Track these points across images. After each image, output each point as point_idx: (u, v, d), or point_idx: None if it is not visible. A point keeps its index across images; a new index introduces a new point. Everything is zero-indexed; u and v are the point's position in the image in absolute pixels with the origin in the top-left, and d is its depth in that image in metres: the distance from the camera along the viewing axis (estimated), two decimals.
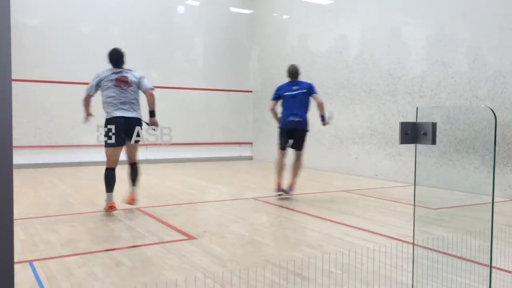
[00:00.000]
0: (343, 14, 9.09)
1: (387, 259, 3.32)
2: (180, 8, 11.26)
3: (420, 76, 7.44)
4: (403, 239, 3.94)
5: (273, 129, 11.26)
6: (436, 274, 2.99)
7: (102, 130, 4.79)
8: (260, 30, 11.73)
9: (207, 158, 10.87)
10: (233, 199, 5.90)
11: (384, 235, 4.14)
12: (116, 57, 5.07)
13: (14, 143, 8.92)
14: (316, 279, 2.92)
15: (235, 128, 11.87)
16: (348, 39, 9.08)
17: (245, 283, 2.89)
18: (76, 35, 9.80)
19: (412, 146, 2.08)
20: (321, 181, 7.86)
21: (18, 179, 7.50)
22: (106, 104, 4.93)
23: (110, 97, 4.90)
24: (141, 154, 10.07)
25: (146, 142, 5.28)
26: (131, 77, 5.00)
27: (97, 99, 5.09)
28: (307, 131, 6.06)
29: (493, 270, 2.90)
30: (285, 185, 6.06)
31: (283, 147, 6.12)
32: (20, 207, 5.18)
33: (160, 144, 10.92)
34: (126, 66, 5.16)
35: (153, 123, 5.04)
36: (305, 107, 6.02)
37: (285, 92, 6.07)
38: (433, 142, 2.42)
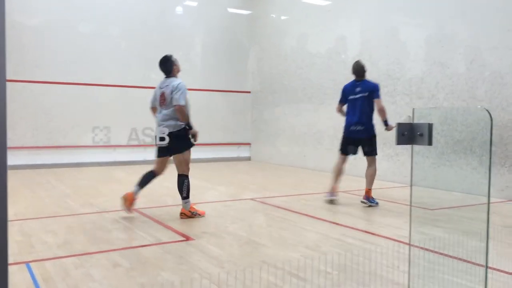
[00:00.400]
0: (342, 15, 9.10)
1: (384, 259, 3.33)
2: (179, 9, 11.27)
3: (419, 77, 7.45)
4: (400, 239, 3.94)
5: (271, 130, 11.29)
6: (432, 274, 2.99)
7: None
8: (259, 31, 11.74)
9: (206, 159, 10.87)
10: (231, 200, 5.90)
11: (382, 236, 4.14)
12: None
13: (12, 144, 8.90)
14: (312, 280, 2.92)
15: (233, 128, 11.88)
16: (347, 39, 9.09)
17: (241, 283, 2.90)
18: (76, 35, 9.81)
19: (410, 146, 2.08)
20: (320, 182, 7.86)
21: (16, 179, 7.50)
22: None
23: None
24: (139, 155, 10.13)
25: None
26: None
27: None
28: (373, 136, 5.66)
29: (489, 270, 2.91)
30: (334, 188, 5.77)
31: (344, 151, 5.80)
32: (18, 208, 5.19)
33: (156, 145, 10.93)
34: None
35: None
36: (367, 112, 5.61)
37: (349, 95, 5.72)
38: (430, 143, 2.42)
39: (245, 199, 6.08)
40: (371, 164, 5.70)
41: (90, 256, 3.45)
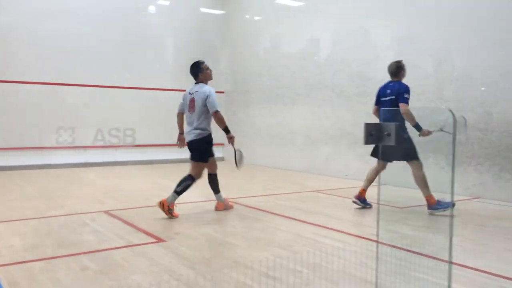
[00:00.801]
0: (315, 16, 9.18)
1: (354, 257, 3.38)
2: (151, 8, 11.14)
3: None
4: (371, 238, 4.01)
5: (245, 130, 11.27)
6: (400, 271, 3.06)
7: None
8: (232, 31, 11.73)
9: (178, 160, 10.75)
10: (205, 201, 5.87)
11: (353, 234, 4.21)
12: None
13: None
14: (283, 278, 2.94)
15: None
16: (320, 40, 9.19)
17: (212, 284, 2.89)
18: (42, 34, 9.57)
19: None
20: (293, 182, 7.91)
21: None
22: None
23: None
24: (109, 156, 9.96)
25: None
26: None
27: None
28: (404, 139, 4.89)
29: (454, 266, 2.99)
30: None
31: (377, 156, 5.37)
32: None
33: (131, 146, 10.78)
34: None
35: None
36: (395, 115, 5.02)
37: (381, 97, 5.37)
38: (396, 142, 2.48)
39: None
40: (413, 169, 5.08)
41: (58, 259, 3.38)
